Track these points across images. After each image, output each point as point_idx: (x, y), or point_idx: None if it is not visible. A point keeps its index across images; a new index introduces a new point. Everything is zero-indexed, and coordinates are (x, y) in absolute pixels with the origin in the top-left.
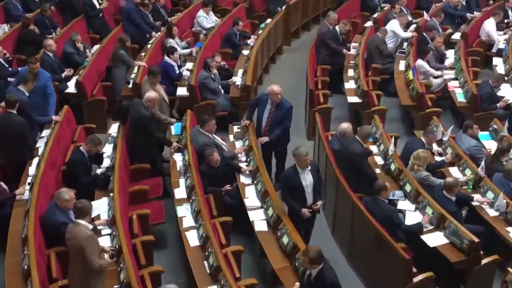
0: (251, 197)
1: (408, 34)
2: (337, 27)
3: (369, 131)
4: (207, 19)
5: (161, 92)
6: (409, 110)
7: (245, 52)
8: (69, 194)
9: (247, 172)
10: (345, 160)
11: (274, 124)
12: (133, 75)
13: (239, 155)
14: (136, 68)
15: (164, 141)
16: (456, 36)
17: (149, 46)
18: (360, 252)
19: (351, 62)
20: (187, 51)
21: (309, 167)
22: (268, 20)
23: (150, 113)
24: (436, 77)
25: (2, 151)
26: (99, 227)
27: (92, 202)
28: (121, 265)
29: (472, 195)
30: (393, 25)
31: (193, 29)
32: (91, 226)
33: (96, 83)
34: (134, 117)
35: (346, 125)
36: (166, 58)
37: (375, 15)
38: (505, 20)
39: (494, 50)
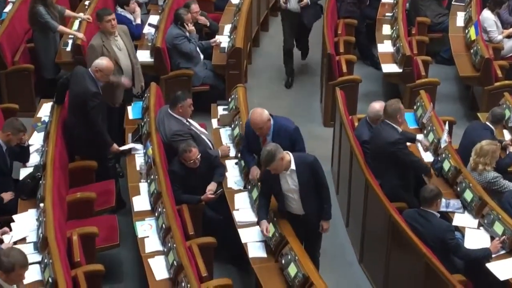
0: (243, 210)
1: None
2: None
3: (398, 107)
4: None
5: (120, 52)
6: (470, 83)
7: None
8: None
9: None
10: (377, 155)
11: None
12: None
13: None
14: (76, 23)
15: (102, 138)
16: None
17: None
18: (399, 287)
19: (387, 14)
20: None
21: (292, 169)
22: None
23: (99, 89)
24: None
25: None
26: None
27: (14, 216)
28: None
29: None
30: None
31: None
32: None
33: (19, 45)
34: (76, 93)
35: (379, 106)
36: (119, 9)
37: None
38: None
39: None
